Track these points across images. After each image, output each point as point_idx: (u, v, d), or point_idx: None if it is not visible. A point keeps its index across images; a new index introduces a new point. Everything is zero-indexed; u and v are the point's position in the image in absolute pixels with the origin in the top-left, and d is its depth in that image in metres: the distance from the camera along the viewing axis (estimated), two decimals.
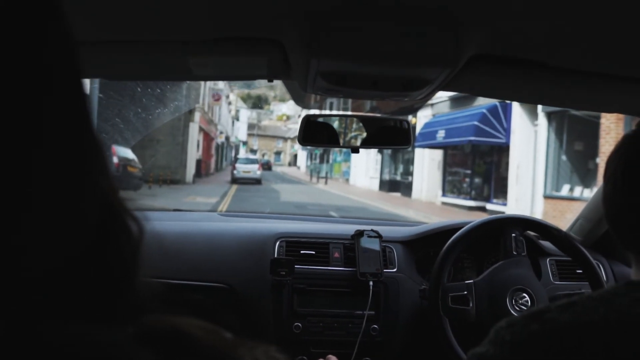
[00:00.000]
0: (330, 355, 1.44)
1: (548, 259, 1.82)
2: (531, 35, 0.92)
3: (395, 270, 1.75)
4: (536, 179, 11.92)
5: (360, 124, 1.61)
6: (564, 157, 11.59)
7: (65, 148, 0.32)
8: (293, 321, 1.65)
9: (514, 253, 1.60)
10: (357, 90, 1.14)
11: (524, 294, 1.53)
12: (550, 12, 0.81)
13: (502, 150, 13.57)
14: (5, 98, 0.29)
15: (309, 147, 28.28)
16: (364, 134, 1.59)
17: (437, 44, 0.91)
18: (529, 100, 1.73)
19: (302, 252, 1.74)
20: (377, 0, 0.82)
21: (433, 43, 0.91)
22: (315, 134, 1.52)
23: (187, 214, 2.27)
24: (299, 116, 49.39)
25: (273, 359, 0.38)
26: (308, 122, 1.48)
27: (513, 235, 1.62)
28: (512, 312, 1.50)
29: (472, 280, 1.58)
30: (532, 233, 1.80)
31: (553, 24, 0.85)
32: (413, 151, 17.54)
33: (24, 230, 0.30)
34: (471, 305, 1.53)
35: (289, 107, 70.55)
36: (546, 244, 1.82)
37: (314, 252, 1.74)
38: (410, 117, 16.61)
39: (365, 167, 24.82)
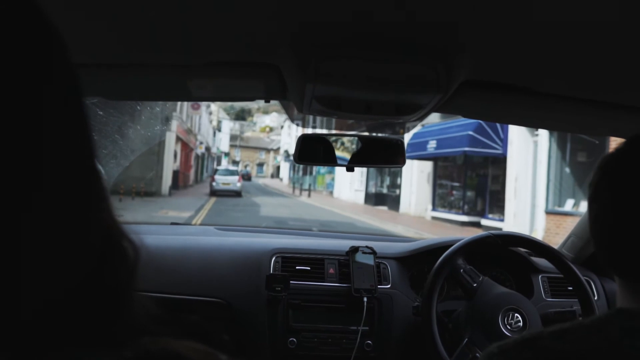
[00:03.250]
0: None
1: (540, 276, 1.88)
2: (519, 63, 0.99)
3: (389, 286, 1.79)
4: (537, 193, 11.52)
5: (354, 142, 1.67)
6: (567, 170, 11.05)
7: (69, 182, 0.34)
8: (288, 336, 1.69)
9: (474, 285, 1.63)
10: (351, 114, 1.20)
11: (516, 314, 1.57)
12: (537, 41, 0.86)
13: (498, 161, 13.14)
14: (12, 133, 0.30)
15: (291, 159, 27.43)
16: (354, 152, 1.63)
17: (429, 72, 0.96)
18: (518, 123, 1.80)
19: (297, 267, 1.78)
20: (371, 31, 0.86)
21: (425, 71, 0.96)
22: (312, 152, 1.56)
23: (184, 227, 2.33)
24: (282, 127, 48.79)
25: None
26: (304, 140, 1.52)
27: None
28: (505, 332, 1.54)
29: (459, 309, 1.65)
30: (523, 250, 1.86)
31: (539, 52, 0.91)
32: None
33: (27, 263, 0.31)
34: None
35: (272, 119, 70.83)
36: (538, 260, 1.87)
37: (309, 268, 1.79)
38: (398, 128, 15.68)
39: (350, 179, 24.33)
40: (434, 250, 1.81)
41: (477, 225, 13.48)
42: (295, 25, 0.85)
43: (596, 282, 1.90)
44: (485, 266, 1.87)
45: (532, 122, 1.65)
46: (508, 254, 1.88)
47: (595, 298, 1.81)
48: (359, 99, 1.10)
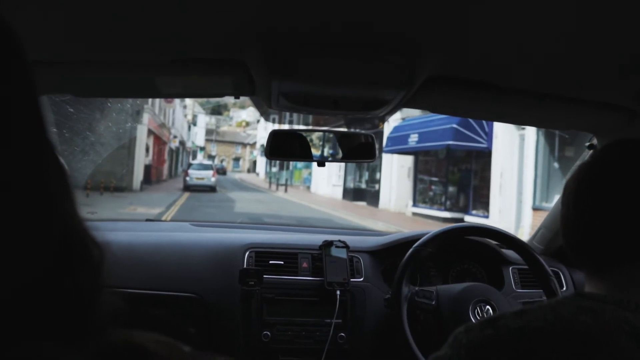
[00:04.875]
0: None
1: (511, 268, 1.93)
2: (482, 59, 1.02)
3: (362, 279, 1.84)
4: (524, 188, 11.26)
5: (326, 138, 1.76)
6: (555, 165, 10.72)
7: (27, 177, 0.34)
8: (262, 330, 1.73)
9: (433, 303, 1.64)
10: (318, 109, 1.24)
11: (487, 306, 1.60)
12: (500, 38, 0.89)
13: (483, 156, 12.86)
14: None
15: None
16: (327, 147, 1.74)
17: (393, 68, 0.99)
18: (484, 118, 1.85)
19: (271, 262, 1.83)
20: (335, 28, 0.88)
21: (389, 67, 0.99)
22: (283, 147, 1.60)
23: (159, 224, 2.36)
24: (258, 122, 48.39)
25: None
26: (275, 135, 1.57)
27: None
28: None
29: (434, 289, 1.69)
30: (493, 241, 1.90)
31: (503, 48, 0.95)
32: (380, 157, 16.03)
33: None
34: (434, 303, 1.63)
35: (249, 114, 70.48)
36: (508, 252, 1.92)
37: (282, 262, 1.83)
38: (376, 121, 15.35)
39: (328, 174, 23.92)
40: (406, 243, 1.83)
41: (460, 222, 12.94)
42: (262, 23, 0.87)
43: (565, 273, 1.96)
44: (456, 259, 1.95)
45: (498, 117, 1.63)
46: (478, 247, 1.94)
47: (564, 289, 1.89)
48: (325, 95, 1.14)
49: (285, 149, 1.60)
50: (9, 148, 0.32)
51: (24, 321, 0.34)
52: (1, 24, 0.34)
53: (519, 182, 11.25)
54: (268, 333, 1.71)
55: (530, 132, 10.83)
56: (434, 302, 1.64)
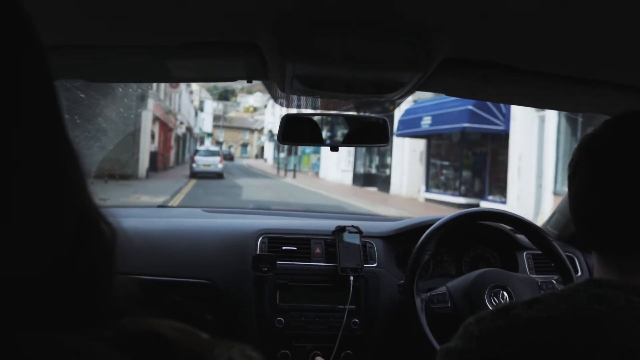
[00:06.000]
0: (318, 358, 1.59)
1: (525, 253, 1.94)
2: (499, 40, 1.01)
3: (375, 265, 1.85)
4: (544, 172, 10.84)
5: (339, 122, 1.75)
6: None
7: (42, 158, 0.35)
8: (275, 316, 1.74)
9: (449, 305, 1.63)
10: (332, 93, 1.24)
11: (503, 292, 1.60)
12: (518, 18, 0.89)
13: (500, 139, 12.69)
14: None
15: (276, 139, 26.57)
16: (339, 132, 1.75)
17: (409, 50, 0.99)
18: (500, 101, 1.77)
19: (284, 248, 1.84)
20: (350, 7, 0.87)
21: (405, 48, 0.99)
22: (296, 132, 1.60)
23: (171, 210, 2.43)
24: (265, 107, 48.30)
25: (248, 358, 0.40)
26: (288, 120, 1.57)
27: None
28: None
29: (446, 286, 1.69)
30: (507, 227, 1.90)
31: (520, 29, 0.94)
32: (391, 141, 15.56)
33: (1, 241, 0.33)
34: (449, 304, 1.64)
35: (256, 99, 70.44)
36: (522, 237, 1.92)
37: (295, 248, 1.85)
38: (387, 104, 14.97)
39: (337, 159, 23.71)
40: (420, 228, 1.83)
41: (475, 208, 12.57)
42: (276, 4, 0.88)
43: (580, 259, 1.96)
44: (469, 244, 1.96)
45: (514, 100, 1.54)
46: (492, 232, 1.94)
47: (579, 274, 1.88)
48: (339, 77, 1.13)
49: (297, 134, 1.60)
50: (20, 127, 0.32)
51: (35, 306, 0.33)
52: (15, 8, 0.34)
53: (539, 165, 10.91)
54: (282, 319, 1.73)
55: (551, 113, 10.42)
56: (449, 304, 1.64)
